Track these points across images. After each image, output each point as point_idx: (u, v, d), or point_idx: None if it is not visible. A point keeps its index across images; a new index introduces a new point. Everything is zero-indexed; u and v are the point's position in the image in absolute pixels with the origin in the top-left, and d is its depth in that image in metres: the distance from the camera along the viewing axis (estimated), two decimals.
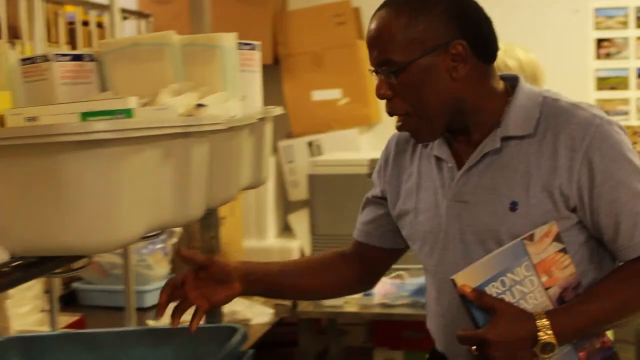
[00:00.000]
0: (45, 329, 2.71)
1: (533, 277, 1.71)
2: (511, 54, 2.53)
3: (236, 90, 1.77)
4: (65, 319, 2.92)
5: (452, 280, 1.69)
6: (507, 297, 1.69)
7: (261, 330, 3.25)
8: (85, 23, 3.72)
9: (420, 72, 1.71)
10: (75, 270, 1.73)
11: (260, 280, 1.94)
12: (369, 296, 3.43)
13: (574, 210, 1.73)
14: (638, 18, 4.56)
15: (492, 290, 1.69)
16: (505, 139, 1.76)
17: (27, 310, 2.85)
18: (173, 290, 1.87)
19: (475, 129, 1.79)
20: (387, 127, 4.18)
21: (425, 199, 1.85)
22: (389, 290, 3.46)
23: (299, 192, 4.46)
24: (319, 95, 4.52)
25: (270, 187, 4.40)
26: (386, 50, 1.72)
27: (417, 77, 1.71)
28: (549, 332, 1.65)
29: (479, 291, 1.68)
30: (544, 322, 1.66)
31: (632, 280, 1.72)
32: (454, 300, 1.74)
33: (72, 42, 3.67)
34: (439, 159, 1.84)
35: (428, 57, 1.71)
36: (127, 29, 4.31)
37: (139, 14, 4.36)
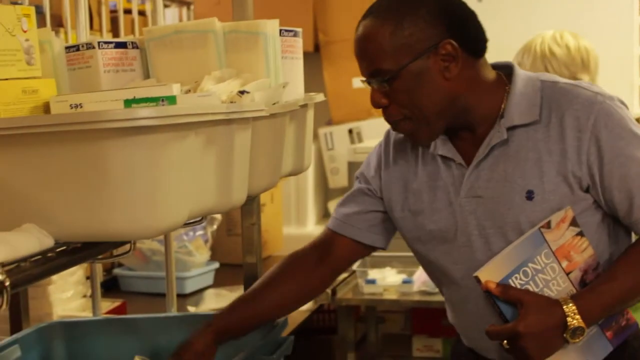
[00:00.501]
0: (87, 314, 2.74)
1: (554, 263, 1.72)
2: (559, 40, 2.48)
3: (278, 77, 1.77)
4: (106, 305, 2.94)
5: (476, 277, 1.69)
6: (531, 287, 1.70)
7: (300, 317, 3.25)
8: (128, 11, 3.74)
9: (413, 77, 1.70)
10: (117, 256, 1.74)
11: (233, 332, 1.89)
12: (408, 283, 3.42)
13: (587, 190, 1.73)
14: None
15: (516, 282, 1.69)
16: (511, 128, 1.75)
17: (70, 295, 2.87)
18: None
19: (478, 123, 1.78)
20: None
21: (437, 198, 1.82)
22: (428, 278, 3.44)
23: (339, 180, 4.45)
24: (359, 82, 4.48)
25: (310, 174, 4.40)
26: (376, 60, 1.71)
27: (410, 83, 1.70)
28: (577, 316, 1.66)
29: (504, 285, 1.68)
30: (570, 307, 1.66)
31: None
32: (480, 296, 1.73)
33: (114, 30, 3.69)
34: (445, 158, 1.82)
35: (418, 61, 1.69)
36: (169, 17, 4.33)
37: (181, 2, 4.38)
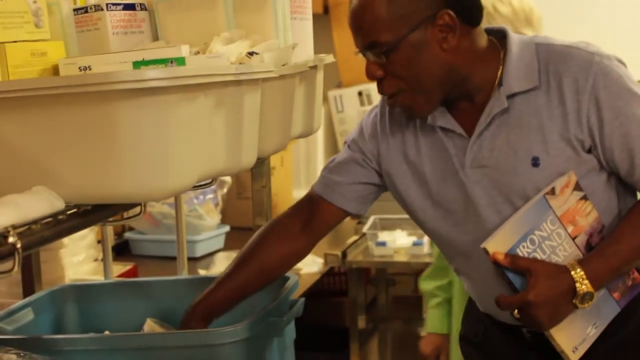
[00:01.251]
0: (99, 278, 2.75)
1: (559, 229, 1.71)
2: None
3: (287, 38, 1.75)
4: (118, 268, 2.95)
5: (484, 248, 1.68)
6: (539, 255, 1.70)
7: (311, 279, 3.27)
8: None
9: (410, 48, 1.68)
10: (127, 218, 1.74)
11: (221, 308, 1.87)
12: (418, 246, 3.43)
13: (589, 151, 1.72)
14: None
15: (523, 251, 1.69)
16: (511, 96, 1.73)
17: (81, 259, 2.89)
18: None
19: (476, 92, 1.76)
20: None
21: (441, 169, 1.81)
22: None
23: None
24: None
25: (320, 137, 4.39)
26: (372, 32, 1.69)
27: (408, 54, 1.68)
28: (585, 281, 1.66)
29: (512, 255, 1.68)
30: (579, 272, 1.66)
31: None
32: (490, 266, 1.73)
33: None
34: (445, 129, 1.79)
35: (416, 32, 1.67)
36: None
37: None
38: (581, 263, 1.68)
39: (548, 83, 1.72)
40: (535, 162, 1.72)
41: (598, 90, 1.68)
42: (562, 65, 1.71)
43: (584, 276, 1.66)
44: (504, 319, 1.84)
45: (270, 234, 1.95)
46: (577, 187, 1.71)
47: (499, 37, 1.79)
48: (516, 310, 1.68)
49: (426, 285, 2.87)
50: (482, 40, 1.76)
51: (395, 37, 1.67)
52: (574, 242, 1.72)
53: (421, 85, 1.71)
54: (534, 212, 1.70)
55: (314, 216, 1.94)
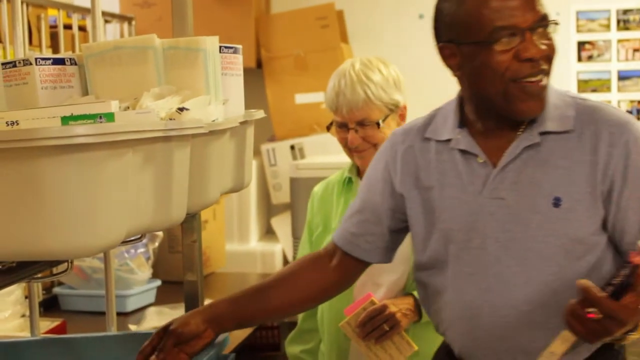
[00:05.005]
0: (26, 334, 2.69)
1: None
2: (370, 65, 2.51)
3: (218, 93, 1.76)
4: (46, 324, 2.90)
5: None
6: None
7: (244, 333, 3.24)
8: (68, 27, 3.71)
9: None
10: (56, 275, 1.71)
11: (230, 319, 1.89)
12: None
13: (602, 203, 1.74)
14: (619, 21, 4.58)
15: None
16: (543, 133, 1.76)
17: (8, 315, 2.83)
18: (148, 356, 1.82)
19: (508, 124, 1.77)
20: None
21: (450, 196, 1.81)
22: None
23: (282, 196, 4.45)
24: (302, 98, 4.51)
25: (252, 191, 4.39)
26: (543, 4, 1.73)
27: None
28: None
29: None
30: None
31: None
32: (485, 302, 1.73)
33: (54, 46, 3.65)
34: (466, 153, 1.81)
35: None
36: (110, 33, 4.30)
37: (122, 17, 4.35)
38: None
39: (582, 130, 1.75)
40: (556, 203, 1.73)
41: (630, 148, 1.72)
42: (599, 118, 1.75)
43: None
44: None
45: (301, 265, 2.00)
46: None
47: None
48: (596, 309, 1.56)
49: (292, 349, 2.74)
50: None
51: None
52: None
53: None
54: None
55: (340, 263, 1.99)
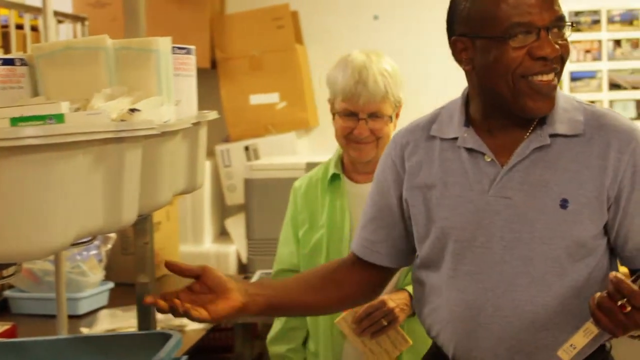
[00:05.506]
0: None
1: None
2: (386, 64, 2.53)
3: (170, 94, 1.75)
4: None
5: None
6: None
7: (197, 335, 3.22)
8: (20, 26, 3.67)
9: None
10: (5, 278, 1.69)
11: (261, 295, 1.85)
12: None
13: (608, 209, 1.75)
14: (571, 22, 4.60)
15: None
16: (553, 136, 1.77)
17: None
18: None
19: (515, 123, 1.78)
20: (325, 131, 4.18)
21: (453, 194, 1.81)
22: None
23: (236, 197, 4.44)
24: (256, 99, 4.51)
25: (206, 192, 4.37)
26: (559, 4, 1.74)
27: None
28: None
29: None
30: None
31: None
32: (487, 301, 1.74)
33: (5, 46, 3.61)
34: (472, 152, 1.81)
35: None
36: (63, 33, 4.25)
37: (75, 18, 4.31)
38: None
39: (591, 135, 1.77)
40: (563, 204, 1.74)
41: (637, 155, 1.74)
42: (607, 124, 1.77)
43: None
44: None
45: (337, 271, 2.01)
46: None
47: None
48: (625, 300, 1.56)
49: (277, 348, 2.71)
50: None
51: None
52: None
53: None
54: None
55: (364, 270, 2.01)
